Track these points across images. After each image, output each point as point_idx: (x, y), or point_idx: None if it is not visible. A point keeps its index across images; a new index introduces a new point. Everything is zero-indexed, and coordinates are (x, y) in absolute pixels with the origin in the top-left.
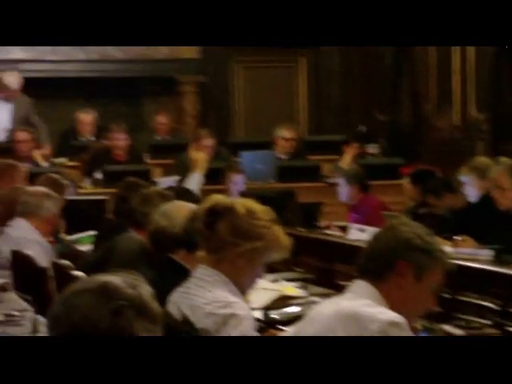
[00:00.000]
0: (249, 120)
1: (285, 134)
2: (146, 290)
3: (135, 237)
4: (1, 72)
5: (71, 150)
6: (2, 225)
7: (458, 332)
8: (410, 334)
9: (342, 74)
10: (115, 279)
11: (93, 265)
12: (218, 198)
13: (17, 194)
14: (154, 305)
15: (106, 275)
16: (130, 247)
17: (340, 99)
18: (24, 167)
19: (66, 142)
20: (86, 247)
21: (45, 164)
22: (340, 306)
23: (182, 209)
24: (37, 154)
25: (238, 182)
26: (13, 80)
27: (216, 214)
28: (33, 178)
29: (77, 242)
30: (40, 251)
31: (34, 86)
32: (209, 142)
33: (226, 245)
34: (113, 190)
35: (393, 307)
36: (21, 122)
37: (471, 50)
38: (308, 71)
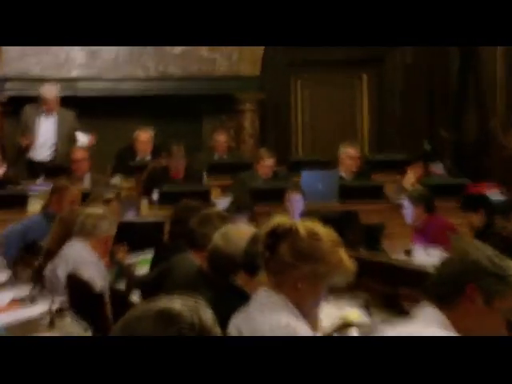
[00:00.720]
0: (309, 138)
1: (351, 152)
2: (207, 314)
3: (192, 258)
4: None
5: (128, 170)
6: (60, 247)
7: None
8: None
9: (405, 91)
10: (175, 303)
11: (149, 288)
12: (279, 220)
13: (74, 216)
14: (216, 330)
15: (165, 299)
16: (188, 269)
17: (403, 116)
18: (75, 188)
19: (122, 162)
20: (143, 270)
21: None
22: (407, 332)
23: (242, 231)
24: None
25: (297, 202)
26: (48, 91)
27: (277, 236)
28: (86, 198)
29: (138, 263)
30: (96, 274)
31: (91, 105)
32: (270, 162)
33: (288, 267)
34: (170, 212)
35: (461, 334)
36: (65, 136)
37: None
38: (370, 88)
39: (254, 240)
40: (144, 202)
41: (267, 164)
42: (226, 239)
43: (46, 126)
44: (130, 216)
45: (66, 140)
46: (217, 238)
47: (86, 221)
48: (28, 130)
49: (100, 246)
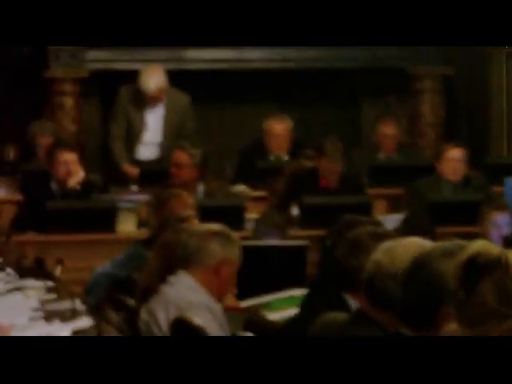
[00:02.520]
0: None
1: None
2: None
3: (346, 299)
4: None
5: (256, 174)
6: (161, 282)
7: None
8: None
9: None
10: None
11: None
12: (481, 246)
13: (180, 238)
14: None
15: None
16: (337, 314)
17: None
18: (189, 197)
19: (249, 163)
20: (280, 314)
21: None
22: None
23: (412, 245)
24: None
25: (500, 223)
26: (148, 86)
27: (479, 270)
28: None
29: (267, 307)
30: (210, 317)
31: (202, 83)
32: (456, 154)
33: (492, 315)
34: (316, 233)
35: None
36: (172, 129)
37: None
38: None
39: (416, 266)
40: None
41: (455, 159)
42: (391, 256)
43: (152, 117)
44: (271, 239)
45: (173, 135)
46: (377, 256)
47: (188, 242)
48: (125, 123)
49: (210, 276)
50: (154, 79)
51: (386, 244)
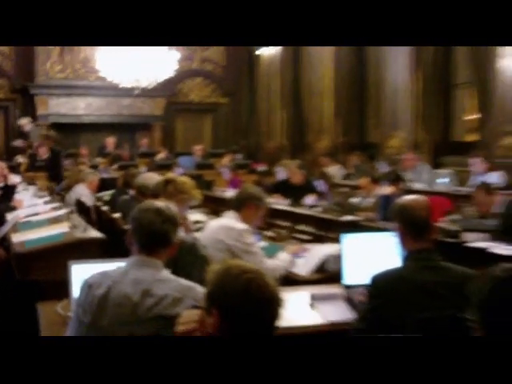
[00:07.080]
0: (184, 142)
1: (197, 148)
2: (175, 210)
3: (130, 192)
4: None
5: (104, 155)
6: (68, 189)
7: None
8: (253, 237)
9: (226, 126)
10: (162, 205)
11: (110, 204)
12: (169, 175)
13: (77, 172)
14: (178, 217)
15: (157, 202)
16: (127, 197)
17: (226, 135)
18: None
19: (102, 151)
20: (107, 198)
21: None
22: (220, 222)
23: (151, 175)
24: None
25: (180, 171)
26: (24, 122)
27: (168, 182)
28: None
29: (103, 196)
30: (88, 199)
31: (88, 127)
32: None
33: (173, 195)
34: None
35: (245, 223)
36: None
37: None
38: (211, 123)
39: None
40: (114, 168)
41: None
42: (143, 179)
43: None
44: (105, 175)
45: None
46: (138, 179)
47: (85, 173)
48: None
49: (90, 186)
50: (26, 121)
51: (142, 175)
